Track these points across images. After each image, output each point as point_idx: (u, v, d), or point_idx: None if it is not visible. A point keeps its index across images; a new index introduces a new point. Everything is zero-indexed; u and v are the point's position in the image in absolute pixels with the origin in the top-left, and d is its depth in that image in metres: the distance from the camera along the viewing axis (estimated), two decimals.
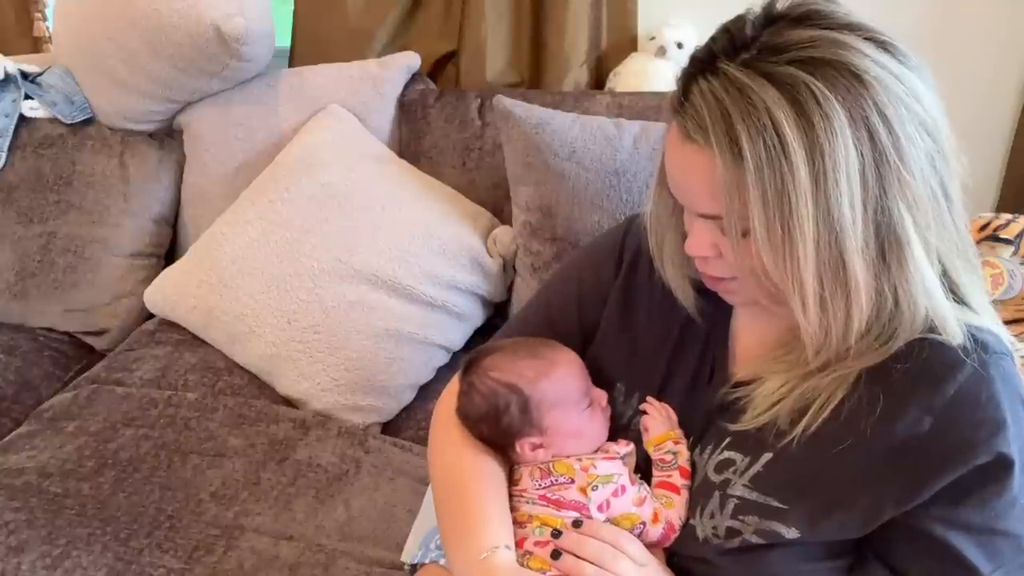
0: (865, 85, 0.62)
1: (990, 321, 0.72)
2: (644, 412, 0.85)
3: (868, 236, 0.64)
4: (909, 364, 0.69)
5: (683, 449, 0.82)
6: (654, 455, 0.83)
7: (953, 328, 0.68)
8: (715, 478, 0.78)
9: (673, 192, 0.73)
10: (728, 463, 0.78)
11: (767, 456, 0.75)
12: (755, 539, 0.74)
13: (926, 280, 0.66)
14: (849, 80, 0.62)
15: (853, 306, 0.66)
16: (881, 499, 0.70)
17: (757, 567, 0.74)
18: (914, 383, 0.69)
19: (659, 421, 0.84)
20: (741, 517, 0.75)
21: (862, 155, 0.62)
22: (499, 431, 0.84)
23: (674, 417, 0.84)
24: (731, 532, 0.75)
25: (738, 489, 0.76)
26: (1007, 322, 1.31)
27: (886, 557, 0.73)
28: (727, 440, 0.79)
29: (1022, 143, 1.71)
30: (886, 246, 0.65)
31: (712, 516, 0.77)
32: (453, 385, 0.92)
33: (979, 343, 0.69)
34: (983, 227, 1.41)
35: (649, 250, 0.85)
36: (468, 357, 0.89)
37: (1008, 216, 1.42)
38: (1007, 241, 1.38)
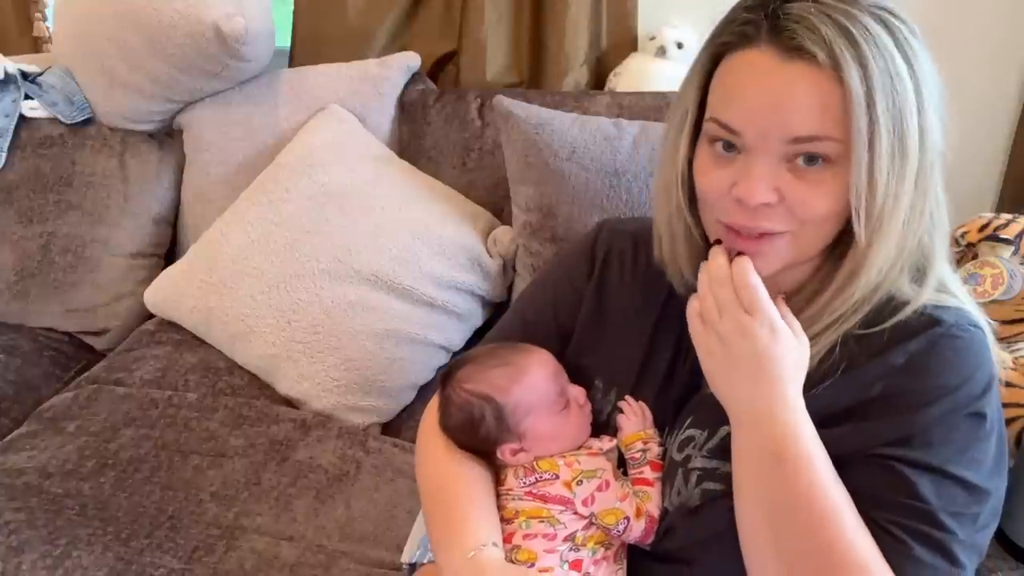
0: (915, 34, 0.69)
1: (958, 292, 0.76)
2: (621, 410, 0.86)
3: (936, 157, 0.70)
4: (871, 342, 0.72)
5: (653, 446, 0.84)
6: (626, 454, 0.85)
7: (905, 291, 0.73)
8: (677, 457, 0.81)
9: (748, 125, 0.69)
10: (688, 440, 0.80)
11: (725, 429, 0.76)
12: (713, 486, 0.76)
13: (935, 213, 0.72)
14: (909, 26, 0.69)
15: (923, 218, 0.71)
16: (829, 448, 0.71)
17: (718, 519, 0.76)
18: (871, 355, 0.72)
19: (632, 421, 0.85)
20: (705, 484, 0.77)
21: (932, 84, 0.69)
22: (478, 440, 0.85)
23: (649, 416, 0.85)
24: (701, 496, 0.78)
25: (698, 461, 0.78)
26: (1007, 321, 1.31)
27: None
28: (689, 419, 0.81)
29: (1022, 143, 1.71)
30: (939, 170, 0.71)
31: (679, 493, 0.80)
32: (436, 397, 0.93)
33: (936, 319, 0.72)
34: (983, 227, 1.41)
35: (622, 250, 0.89)
36: (444, 370, 0.90)
37: (1008, 216, 1.41)
38: (1007, 241, 1.38)
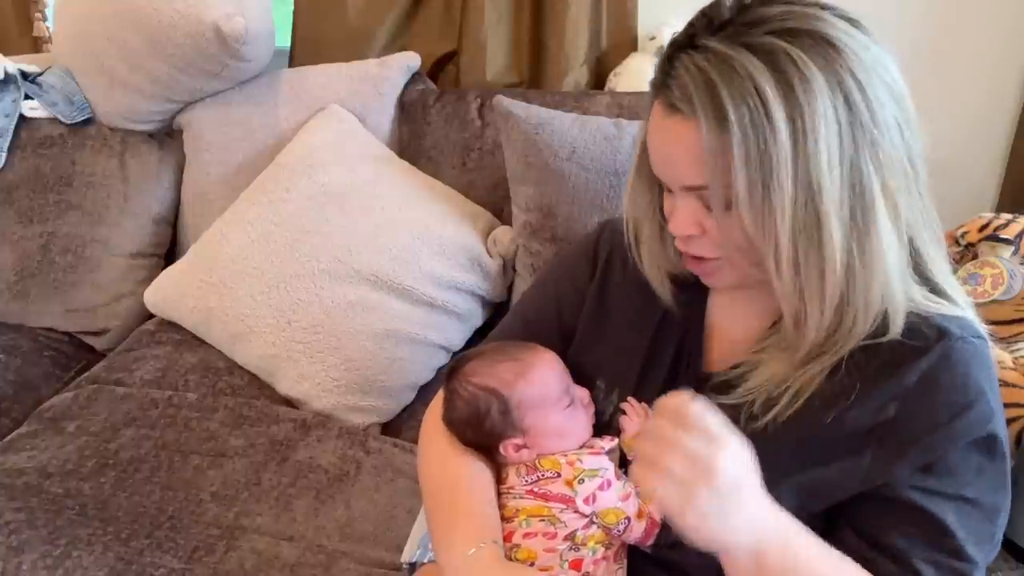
0: (838, 52, 0.66)
1: (959, 300, 0.74)
2: (623, 411, 0.86)
3: (843, 196, 0.66)
4: (879, 354, 0.71)
5: None
6: (629, 455, 0.85)
7: (899, 302, 0.70)
8: None
9: (657, 171, 0.75)
10: None
11: None
12: None
13: (885, 245, 0.68)
14: (824, 47, 0.65)
15: (827, 267, 0.67)
16: (847, 475, 0.72)
17: None
18: (882, 373, 0.71)
19: (635, 422, 0.85)
20: None
21: (838, 117, 0.65)
22: (482, 434, 0.86)
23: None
24: None
25: None
26: (1007, 321, 1.31)
27: (859, 525, 0.74)
28: None
29: (1022, 143, 1.71)
30: (858, 208, 0.67)
31: None
32: (439, 396, 0.93)
33: (942, 330, 0.71)
34: (983, 227, 1.41)
35: (624, 251, 0.88)
36: (450, 365, 0.91)
37: (1008, 216, 1.42)
38: (1007, 241, 1.38)
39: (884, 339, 0.71)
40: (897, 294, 0.70)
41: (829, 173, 0.65)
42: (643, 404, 0.86)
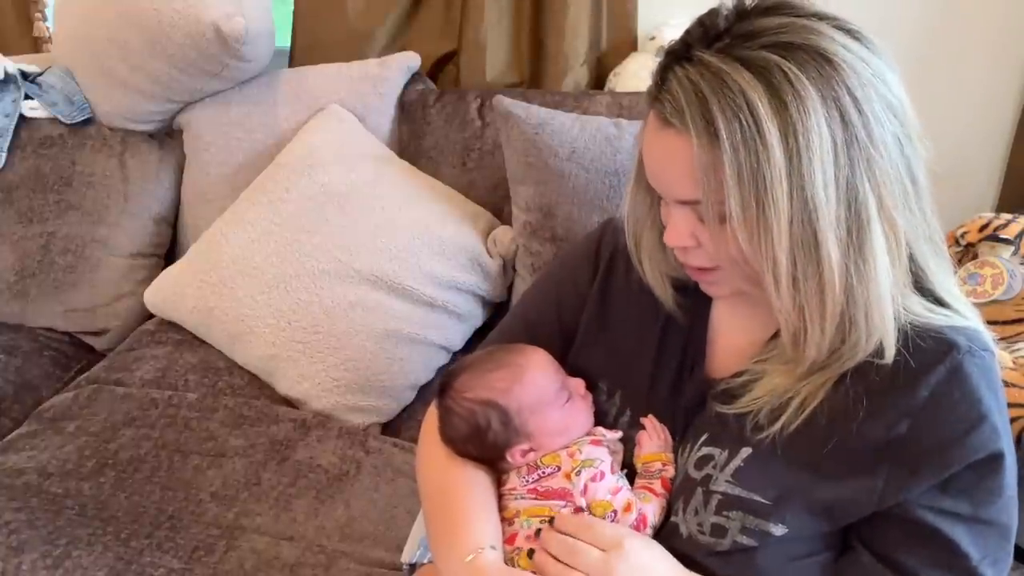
0: (835, 67, 0.64)
1: (965, 311, 0.73)
2: (642, 427, 0.85)
3: (839, 214, 0.65)
4: (887, 367, 0.70)
5: (670, 469, 0.82)
6: (640, 468, 0.84)
7: (890, 322, 0.69)
8: (696, 474, 0.79)
9: (651, 182, 0.74)
10: (707, 459, 0.79)
11: (746, 451, 0.76)
12: (745, 540, 0.74)
13: (880, 265, 0.67)
14: (819, 62, 0.64)
15: (826, 285, 0.67)
16: (862, 496, 0.71)
17: (746, 567, 0.75)
18: (890, 387, 0.70)
19: (654, 441, 0.84)
20: (725, 513, 0.75)
21: (833, 134, 0.64)
22: (486, 447, 0.85)
23: (669, 440, 0.84)
24: (717, 529, 0.75)
25: (721, 485, 0.76)
26: (1007, 322, 1.31)
27: (874, 545, 0.74)
28: (704, 436, 0.80)
29: (1022, 143, 1.71)
30: (854, 226, 0.66)
31: (696, 512, 0.77)
32: (434, 406, 0.92)
33: (951, 343, 0.70)
34: (983, 227, 1.41)
35: (626, 251, 0.87)
36: (440, 381, 0.90)
37: (1008, 216, 1.42)
38: (1007, 241, 1.38)
39: (886, 357, 0.70)
40: (888, 315, 0.69)
41: (825, 191, 0.64)
42: (663, 425, 0.84)
